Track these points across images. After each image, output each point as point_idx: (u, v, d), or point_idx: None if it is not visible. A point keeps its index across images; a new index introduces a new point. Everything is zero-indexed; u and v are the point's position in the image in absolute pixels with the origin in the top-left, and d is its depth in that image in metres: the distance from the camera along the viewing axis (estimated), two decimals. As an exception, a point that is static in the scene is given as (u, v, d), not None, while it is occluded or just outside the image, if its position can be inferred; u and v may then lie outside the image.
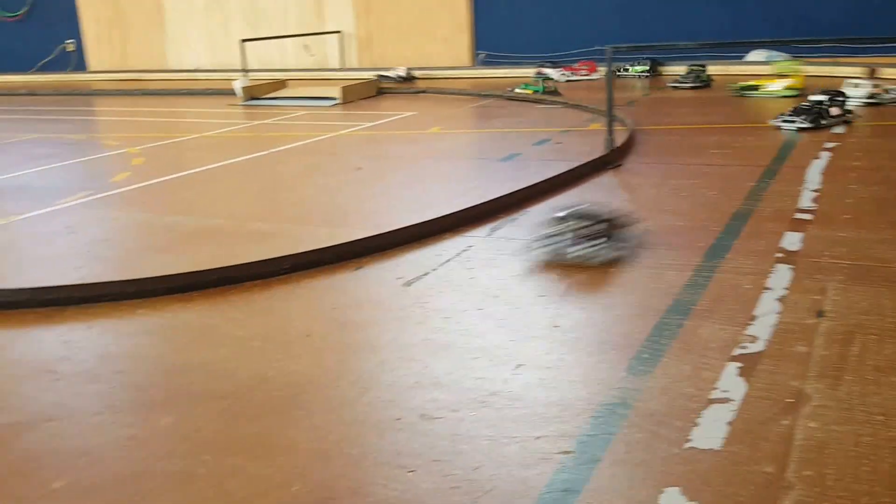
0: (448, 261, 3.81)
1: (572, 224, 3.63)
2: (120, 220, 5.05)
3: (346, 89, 10.52)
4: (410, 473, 2.11)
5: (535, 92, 10.04)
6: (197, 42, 15.73)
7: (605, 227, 3.64)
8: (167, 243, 4.43)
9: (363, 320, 3.22)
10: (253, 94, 10.91)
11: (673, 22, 11.90)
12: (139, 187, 5.86)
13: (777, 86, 8.73)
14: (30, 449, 2.33)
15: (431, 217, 4.30)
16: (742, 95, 8.91)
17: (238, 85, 10.92)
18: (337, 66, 14.48)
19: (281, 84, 11.50)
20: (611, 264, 3.60)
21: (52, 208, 5.27)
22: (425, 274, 3.65)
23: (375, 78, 11.78)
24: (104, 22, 16.58)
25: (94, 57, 16.85)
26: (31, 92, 14.00)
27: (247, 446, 2.29)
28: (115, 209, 5.29)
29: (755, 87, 8.89)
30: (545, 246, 3.68)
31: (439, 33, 13.98)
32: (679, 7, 12.05)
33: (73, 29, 16.81)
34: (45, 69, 16.90)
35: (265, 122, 9.36)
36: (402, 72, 12.73)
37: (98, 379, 2.79)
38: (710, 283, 3.35)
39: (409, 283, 3.54)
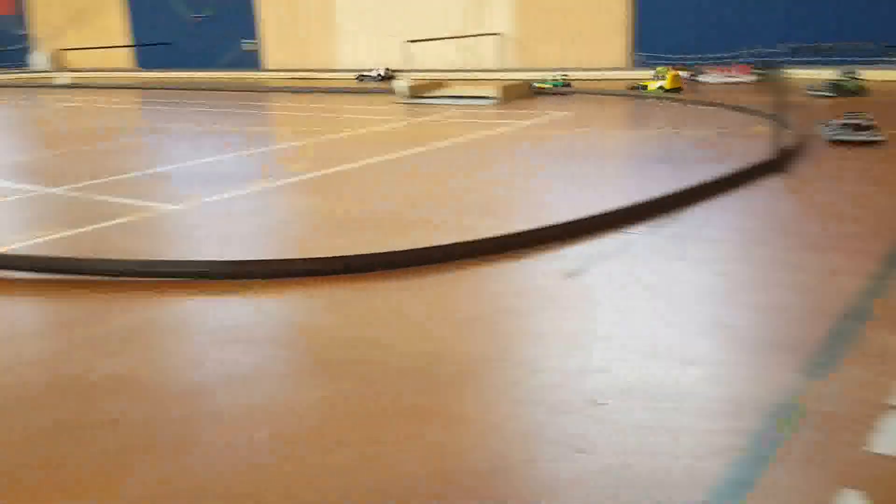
0: (609, 256, 3.85)
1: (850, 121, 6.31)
2: (298, 205, 5.37)
3: (506, 89, 10.70)
4: (580, 454, 2.18)
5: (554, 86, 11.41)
6: (363, 42, 16.34)
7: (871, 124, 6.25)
8: (341, 227, 4.69)
9: (527, 308, 3.30)
10: (415, 92, 11.26)
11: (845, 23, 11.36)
12: (314, 176, 6.19)
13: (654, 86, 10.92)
14: (232, 403, 2.56)
15: (592, 213, 4.34)
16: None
17: (400, 84, 11.31)
18: (493, 67, 14.69)
19: (440, 83, 11.82)
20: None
21: (240, 192, 5.68)
22: (586, 267, 3.70)
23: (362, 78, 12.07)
24: (281, 22, 17.50)
25: (270, 55, 17.81)
26: (214, 87, 14.97)
27: (422, 416, 2.43)
28: (294, 195, 5.62)
29: (645, 87, 11.05)
30: (832, 132, 6.10)
31: (594, 35, 13.96)
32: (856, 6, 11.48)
33: (253, 28, 17.82)
34: (225, 66, 17.98)
35: (426, 119, 9.63)
36: (381, 71, 14.30)
37: (287, 346, 3.02)
38: (887, 290, 3.23)
39: (570, 275, 3.60)
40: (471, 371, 2.73)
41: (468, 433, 2.32)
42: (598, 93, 11.45)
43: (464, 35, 14.57)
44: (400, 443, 2.27)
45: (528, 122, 8.82)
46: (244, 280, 3.69)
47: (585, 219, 4.29)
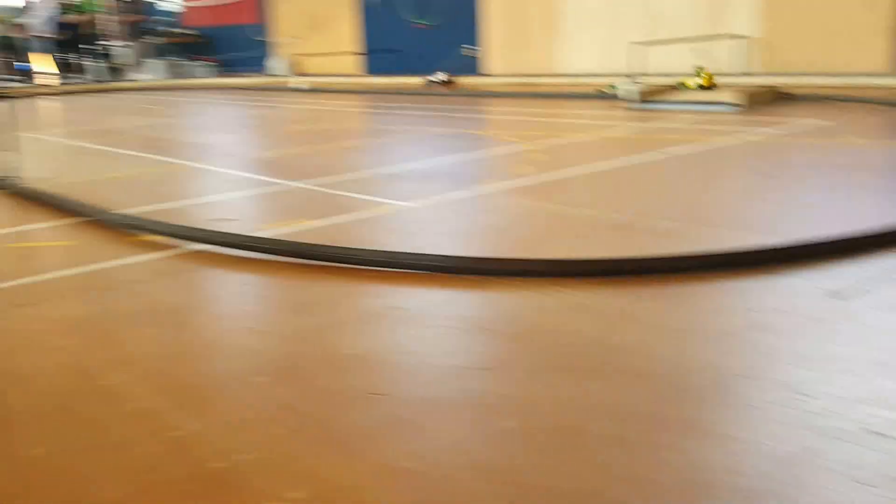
0: (877, 277, 3.52)
1: None
2: (527, 207, 5.36)
3: (751, 95, 10.19)
4: (859, 485, 1.98)
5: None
6: (589, 46, 16.18)
7: None
8: (575, 231, 4.63)
9: (787, 327, 3.08)
10: (644, 97, 10.98)
11: None
12: (540, 180, 6.17)
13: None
14: (476, 389, 2.57)
15: (861, 231, 3.99)
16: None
17: (627, 88, 11.06)
18: (733, 71, 14.02)
19: (672, 87, 11.44)
20: None
21: (469, 192, 5.77)
22: (855, 288, 3.40)
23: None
24: (505, 28, 17.73)
25: (492, 61, 18.09)
26: (437, 92, 15.41)
27: (675, 426, 2.31)
28: (521, 197, 5.62)
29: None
30: None
31: (852, 36, 12.95)
32: None
33: (477, 35, 18.18)
34: (452, 72, 18.45)
35: (658, 124, 9.36)
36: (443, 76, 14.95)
37: (530, 342, 3.00)
38: None
39: (833, 295, 3.32)
40: (726, 386, 2.58)
41: (728, 449, 2.18)
42: (855, 100, 10.65)
43: (699, 37, 14.00)
44: (652, 450, 2.17)
45: (775, 130, 8.35)
46: (483, 276, 3.72)
47: (855, 237, 3.95)
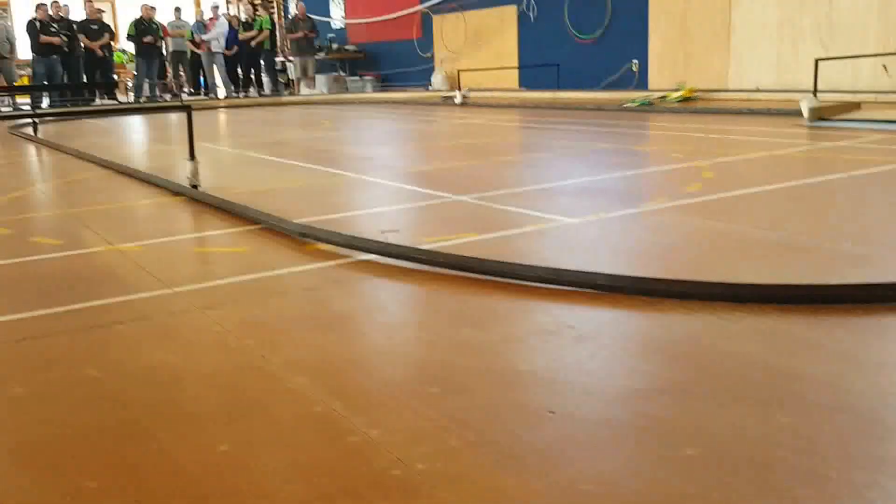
0: None
1: None
2: (695, 226, 5.18)
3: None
4: None
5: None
6: (763, 61, 15.52)
7: None
8: (748, 252, 4.43)
9: None
10: (822, 114, 10.40)
11: None
12: (712, 199, 5.95)
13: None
14: (653, 412, 2.49)
15: None
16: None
17: (806, 105, 10.52)
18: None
19: (854, 105, 10.78)
20: None
21: (635, 210, 5.64)
22: None
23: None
24: (670, 42, 17.30)
25: (654, 76, 17.70)
26: (598, 107, 15.23)
27: (874, 464, 2.14)
28: (689, 215, 5.44)
29: None
30: None
31: None
32: None
33: (640, 49, 17.84)
34: (609, 87, 18.21)
35: (839, 143, 8.84)
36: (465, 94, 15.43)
37: (705, 366, 2.87)
38: None
39: None
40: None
41: (941, 497, 2.00)
42: None
43: (889, 53, 13.09)
44: (852, 489, 2.02)
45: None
46: (649, 297, 3.61)
47: None
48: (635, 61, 17.94)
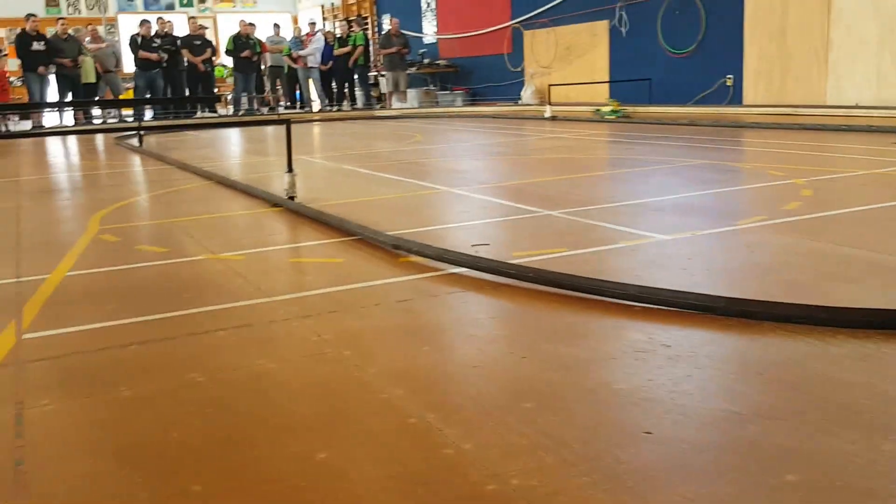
0: None
1: None
2: (793, 246, 5.05)
3: None
4: None
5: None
6: (862, 77, 15.02)
7: None
8: (849, 273, 4.30)
9: None
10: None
11: None
12: (812, 217, 5.79)
13: None
14: (753, 436, 2.44)
15: None
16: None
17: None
18: None
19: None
20: None
21: (731, 227, 5.53)
22: None
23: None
24: (766, 58, 16.89)
25: (750, 91, 17.30)
26: (692, 122, 14.97)
27: None
28: (786, 234, 5.31)
29: None
30: None
31: None
32: None
33: (735, 64, 17.47)
34: (702, 102, 17.88)
35: (943, 163, 8.49)
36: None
37: (807, 390, 2.80)
38: None
39: None
40: None
41: None
42: None
43: None
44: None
45: None
46: (746, 318, 3.54)
47: None
48: (730, 76, 17.58)
